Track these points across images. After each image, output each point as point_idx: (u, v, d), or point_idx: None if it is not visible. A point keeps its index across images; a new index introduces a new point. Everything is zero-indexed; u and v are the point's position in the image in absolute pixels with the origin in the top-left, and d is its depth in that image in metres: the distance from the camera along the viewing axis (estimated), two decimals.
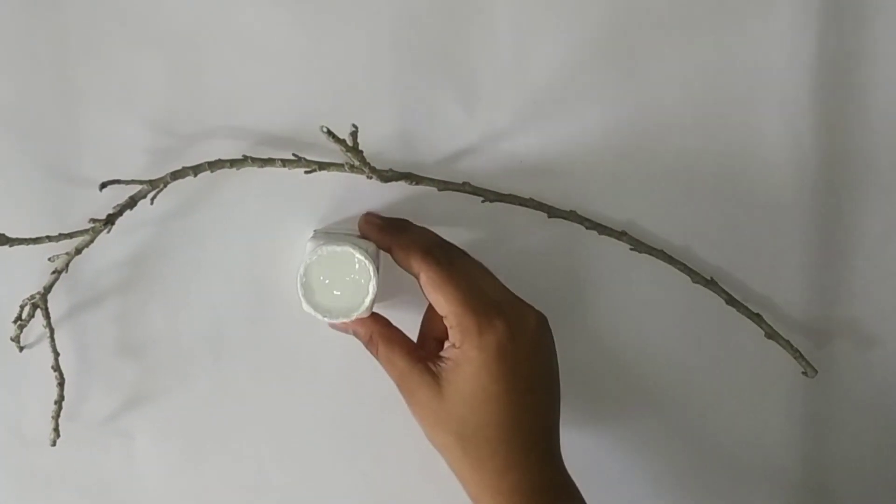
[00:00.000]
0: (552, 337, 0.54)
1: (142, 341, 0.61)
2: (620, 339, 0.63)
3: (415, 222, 0.60)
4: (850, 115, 0.61)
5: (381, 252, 0.59)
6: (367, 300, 0.53)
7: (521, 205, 0.60)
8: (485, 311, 0.51)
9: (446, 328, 0.52)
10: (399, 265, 0.54)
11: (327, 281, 0.53)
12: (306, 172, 0.57)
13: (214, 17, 0.59)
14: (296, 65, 0.59)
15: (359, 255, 0.53)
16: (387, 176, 0.57)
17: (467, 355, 0.50)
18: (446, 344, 0.53)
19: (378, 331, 0.55)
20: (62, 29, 0.58)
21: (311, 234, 0.58)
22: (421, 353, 0.54)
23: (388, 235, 0.55)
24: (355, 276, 0.54)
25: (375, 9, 0.59)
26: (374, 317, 0.55)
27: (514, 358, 0.51)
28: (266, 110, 0.59)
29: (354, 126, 0.51)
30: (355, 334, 0.56)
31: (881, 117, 0.61)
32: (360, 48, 0.59)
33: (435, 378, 0.52)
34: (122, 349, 0.61)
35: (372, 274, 0.53)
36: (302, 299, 0.53)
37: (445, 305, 0.51)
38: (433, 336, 0.56)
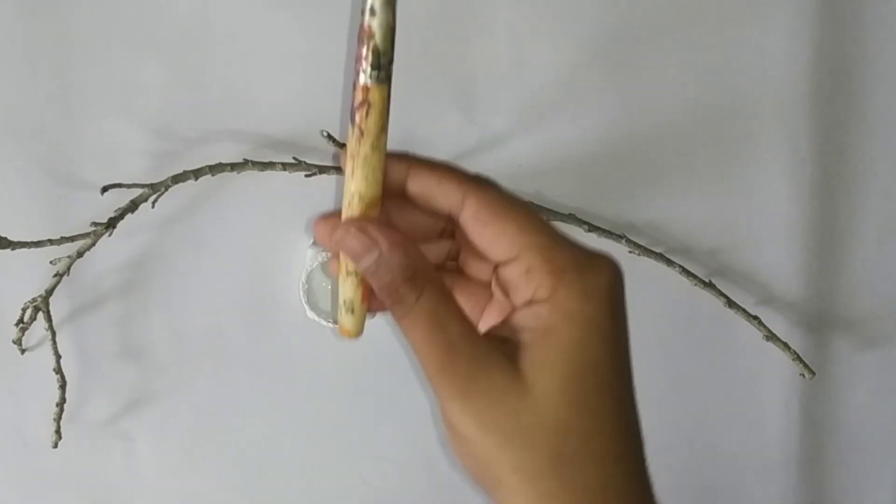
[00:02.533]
0: None
1: (143, 344, 0.61)
2: None
3: None
4: (848, 119, 0.62)
5: None
6: None
7: None
8: (577, 244, 0.32)
9: (504, 284, 0.33)
10: (420, 191, 0.35)
11: (329, 286, 0.54)
12: (307, 176, 0.58)
13: (215, 22, 0.59)
14: (296, 69, 0.59)
15: None
16: None
17: (565, 308, 0.30)
18: (518, 304, 0.32)
19: (403, 255, 0.32)
20: (63, 33, 0.58)
21: (311, 241, 0.59)
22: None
23: (403, 156, 0.36)
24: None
25: None
26: (391, 229, 0.33)
27: (624, 316, 0.32)
28: (266, 114, 0.59)
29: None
30: (359, 255, 0.33)
31: (878, 121, 0.62)
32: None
33: (510, 355, 0.31)
34: (123, 352, 0.61)
35: None
36: (305, 306, 0.53)
37: (519, 238, 0.32)
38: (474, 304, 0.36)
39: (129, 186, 0.56)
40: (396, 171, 0.35)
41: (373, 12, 0.35)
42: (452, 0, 0.59)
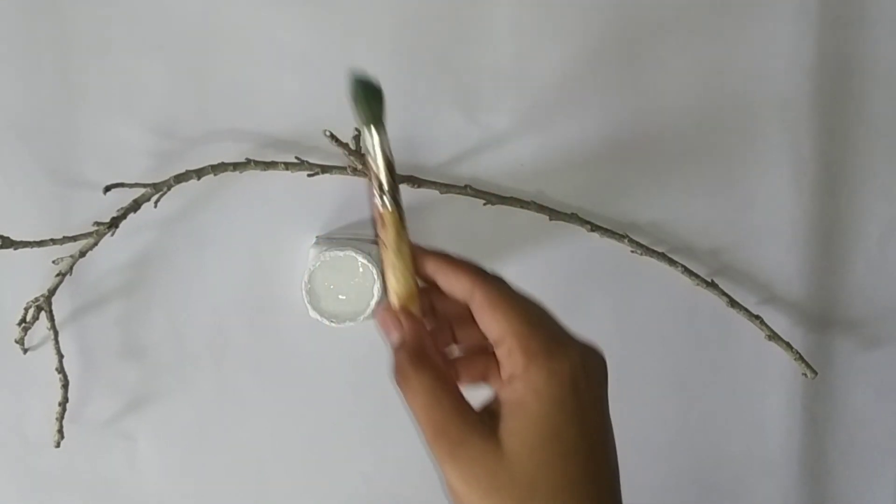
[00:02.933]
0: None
1: (145, 344, 0.61)
2: (622, 340, 0.63)
3: (417, 225, 0.60)
4: (850, 119, 0.62)
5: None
6: (372, 303, 0.54)
7: (522, 207, 0.60)
8: (553, 334, 0.39)
9: (489, 364, 0.41)
10: (443, 284, 0.42)
11: (332, 286, 0.54)
12: (309, 175, 0.58)
13: (217, 22, 0.59)
14: (298, 69, 0.59)
15: (362, 259, 0.53)
16: None
17: (534, 385, 0.37)
18: (504, 386, 0.39)
19: (414, 341, 0.41)
20: (66, 33, 0.58)
21: (314, 240, 0.59)
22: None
23: (431, 255, 0.43)
24: (359, 280, 0.54)
25: (378, 14, 0.59)
26: (411, 319, 0.41)
27: (589, 393, 0.38)
28: (269, 114, 0.59)
29: (357, 130, 0.51)
30: (386, 334, 0.42)
31: (880, 121, 0.62)
32: (362, 53, 0.59)
33: (491, 425, 0.38)
34: (125, 351, 0.61)
35: (376, 277, 0.53)
36: (308, 305, 0.53)
37: (506, 325, 0.39)
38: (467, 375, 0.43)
39: (131, 186, 0.56)
40: (425, 268, 0.42)
41: (371, 154, 0.41)
42: (455, 0, 0.59)
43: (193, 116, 0.59)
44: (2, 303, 0.59)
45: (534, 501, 0.36)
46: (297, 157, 0.58)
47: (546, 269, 0.62)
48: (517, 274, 0.61)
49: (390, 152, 0.42)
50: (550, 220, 0.60)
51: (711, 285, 0.61)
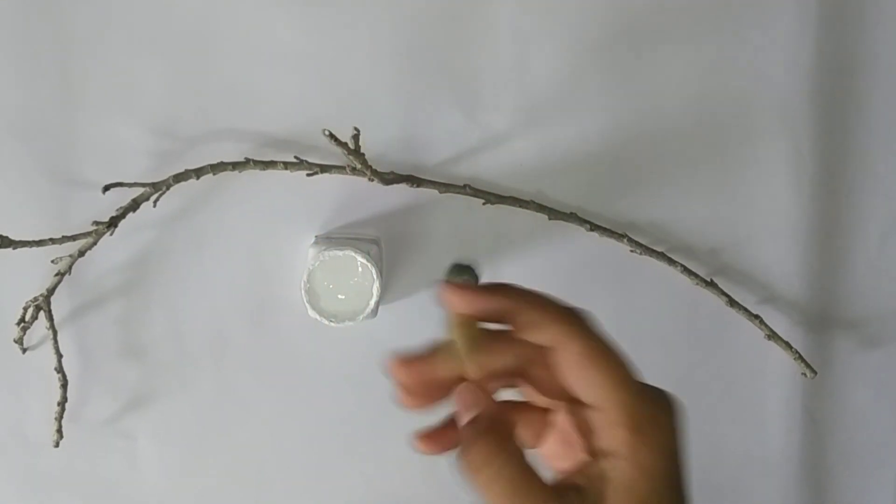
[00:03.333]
0: None
1: (144, 343, 0.61)
2: (621, 339, 0.63)
3: (417, 225, 0.60)
4: (849, 118, 0.62)
5: (384, 255, 0.59)
6: (372, 303, 0.54)
7: (521, 207, 0.60)
8: (653, 397, 0.36)
9: (582, 424, 0.36)
10: (521, 330, 0.37)
11: (331, 286, 0.54)
12: (308, 175, 0.58)
13: (216, 21, 0.59)
14: (298, 68, 0.59)
15: (361, 259, 0.53)
16: (388, 178, 0.58)
17: (643, 464, 0.34)
18: (593, 447, 0.36)
19: (488, 416, 0.36)
20: (65, 33, 0.58)
21: (313, 239, 0.59)
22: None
23: (500, 294, 0.37)
24: (358, 280, 0.54)
25: (377, 13, 0.59)
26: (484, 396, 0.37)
27: (681, 461, 0.36)
28: (268, 113, 0.59)
29: (356, 129, 0.51)
30: (461, 403, 0.38)
31: (879, 120, 0.62)
32: (362, 52, 0.59)
33: None
34: (124, 351, 0.61)
35: (375, 277, 0.53)
36: (307, 305, 0.53)
37: (610, 390, 0.35)
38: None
39: (130, 185, 0.56)
40: (494, 305, 0.37)
41: None
42: (455, 0, 0.59)
43: (192, 116, 0.59)
44: (1, 302, 0.59)
45: None
46: (296, 157, 0.58)
47: (545, 268, 0.62)
48: (516, 274, 0.61)
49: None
50: (550, 219, 0.60)
51: (711, 285, 0.61)
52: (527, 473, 0.34)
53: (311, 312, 0.54)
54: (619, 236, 0.60)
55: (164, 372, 0.62)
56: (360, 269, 0.54)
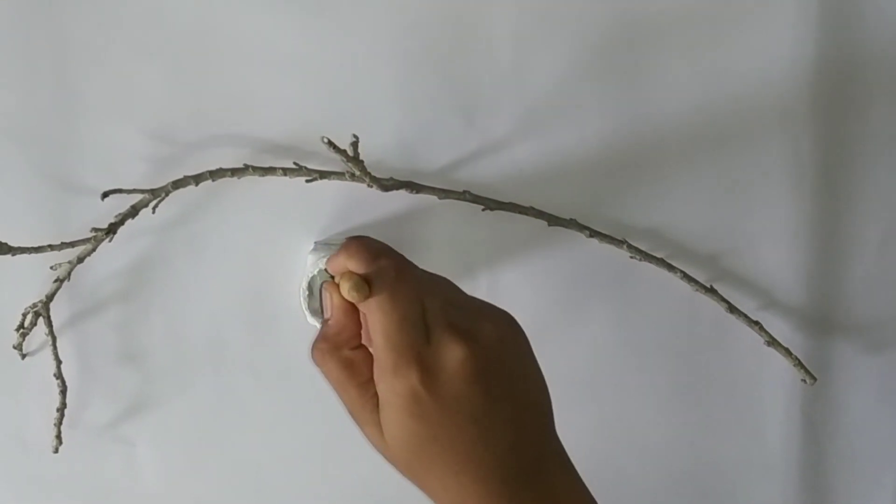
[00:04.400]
0: (520, 340, 0.48)
1: (143, 349, 0.61)
2: (620, 345, 0.63)
3: (416, 231, 0.60)
4: (849, 125, 0.61)
5: None
6: None
7: (521, 213, 0.60)
8: (407, 348, 0.44)
9: None
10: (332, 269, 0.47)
11: None
12: (307, 181, 0.58)
13: (215, 26, 0.59)
14: (297, 74, 0.59)
15: None
16: (387, 185, 0.58)
17: (385, 397, 0.44)
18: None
19: (334, 330, 0.46)
20: (63, 38, 0.58)
21: (312, 246, 0.59)
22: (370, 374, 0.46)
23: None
24: None
25: (376, 18, 0.59)
26: (341, 309, 0.46)
27: (437, 400, 0.44)
28: (267, 119, 0.59)
29: (355, 136, 0.51)
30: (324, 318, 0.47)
31: (880, 125, 0.62)
32: (361, 57, 0.59)
33: (375, 415, 0.46)
34: (123, 357, 0.61)
35: None
36: (306, 311, 0.53)
37: (371, 333, 0.45)
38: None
39: (129, 192, 0.56)
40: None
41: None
42: (454, 4, 0.59)
43: (191, 121, 0.59)
44: (2, 304, 0.59)
45: (417, 471, 0.45)
46: (295, 163, 0.58)
47: (544, 274, 0.62)
48: (515, 280, 0.61)
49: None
50: (549, 225, 0.60)
51: (710, 291, 0.61)
52: (349, 382, 0.46)
53: (311, 319, 0.54)
54: (619, 242, 0.60)
55: (163, 378, 0.62)
56: None
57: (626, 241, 0.60)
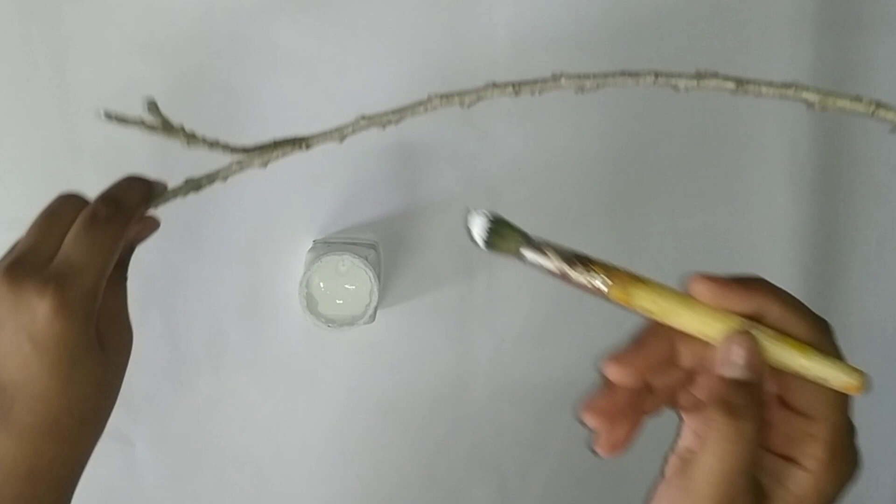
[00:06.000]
0: None
1: (141, 347, 0.61)
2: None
3: (417, 231, 0.60)
4: (846, 126, 0.62)
5: (382, 260, 0.59)
6: (370, 307, 0.54)
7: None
8: (854, 432, 0.38)
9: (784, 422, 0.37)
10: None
11: (329, 291, 0.54)
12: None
13: (214, 25, 0.59)
14: (295, 72, 0.59)
15: (359, 263, 0.53)
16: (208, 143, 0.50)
17: (823, 489, 0.36)
18: (785, 465, 0.36)
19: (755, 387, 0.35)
20: (61, 36, 0.58)
21: (311, 244, 0.59)
22: None
23: (755, 293, 0.37)
24: (357, 285, 0.54)
25: (374, 18, 0.59)
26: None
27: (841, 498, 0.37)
28: (265, 116, 0.59)
29: (151, 99, 0.48)
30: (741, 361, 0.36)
31: (876, 128, 0.62)
32: (360, 56, 0.59)
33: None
34: None
35: (373, 281, 0.53)
36: (305, 310, 0.53)
37: (831, 408, 0.36)
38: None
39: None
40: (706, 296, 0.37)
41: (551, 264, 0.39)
42: (452, 3, 0.59)
43: (190, 120, 0.59)
44: None
45: None
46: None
47: (543, 278, 0.62)
48: (515, 280, 0.61)
49: (555, 246, 0.39)
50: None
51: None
52: (756, 458, 0.35)
53: (309, 317, 0.54)
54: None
55: (161, 376, 0.62)
56: (358, 274, 0.54)
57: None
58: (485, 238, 0.39)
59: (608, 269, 0.37)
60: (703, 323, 0.36)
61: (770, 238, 0.62)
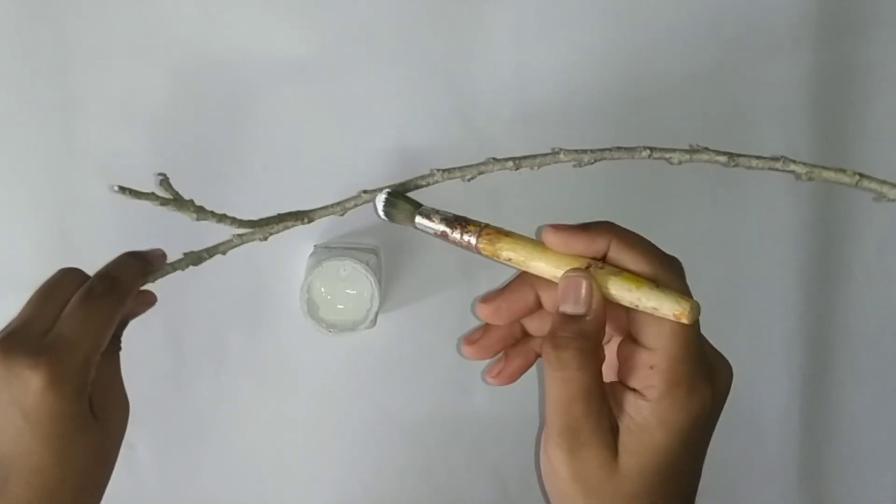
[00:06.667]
0: None
1: (142, 351, 0.61)
2: None
3: (415, 234, 0.60)
4: (846, 128, 0.62)
5: (383, 264, 0.59)
6: (371, 312, 0.54)
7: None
8: (698, 360, 0.38)
9: (627, 352, 0.39)
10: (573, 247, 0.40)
11: (330, 295, 0.54)
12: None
13: (214, 29, 0.59)
14: (296, 77, 0.59)
15: (360, 268, 0.53)
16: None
17: (663, 417, 0.37)
18: (630, 395, 0.38)
19: (596, 326, 0.38)
20: (63, 42, 0.58)
21: (312, 249, 0.59)
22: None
23: (599, 235, 0.40)
24: (357, 290, 0.54)
25: (375, 22, 0.59)
26: (606, 305, 0.39)
27: (710, 423, 0.39)
28: (267, 122, 0.59)
29: (162, 175, 0.49)
30: (570, 297, 0.38)
31: (876, 129, 0.62)
32: (361, 61, 0.59)
33: (613, 436, 0.38)
34: (123, 360, 0.61)
35: (374, 286, 0.54)
36: (306, 315, 0.53)
37: (669, 340, 0.37)
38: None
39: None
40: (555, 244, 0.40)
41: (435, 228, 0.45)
42: (454, 7, 0.59)
43: (192, 124, 0.59)
44: (3, 309, 0.59)
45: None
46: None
47: None
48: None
49: (441, 213, 0.44)
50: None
51: None
52: (597, 391, 0.37)
53: (310, 322, 0.54)
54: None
55: (163, 380, 0.62)
56: (359, 279, 0.54)
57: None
58: (384, 210, 0.46)
59: (481, 227, 0.42)
60: (555, 267, 0.39)
61: (770, 240, 0.62)
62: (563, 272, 0.39)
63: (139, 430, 0.62)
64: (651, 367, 0.37)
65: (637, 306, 0.37)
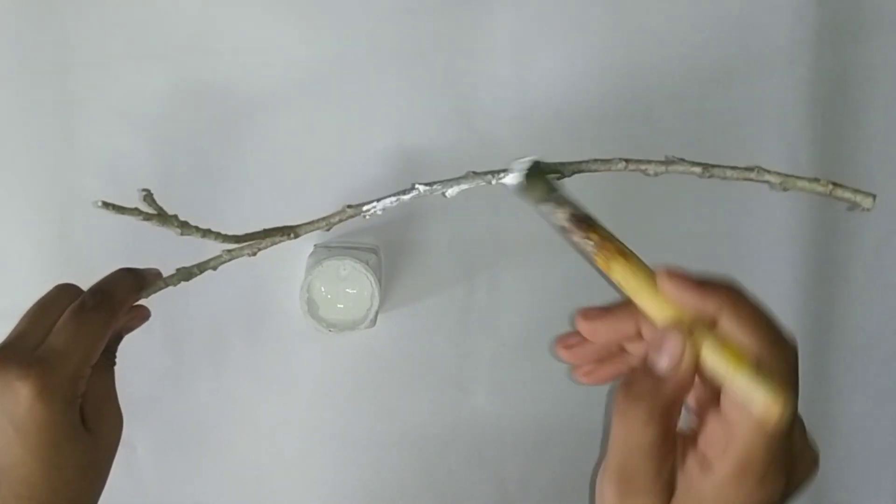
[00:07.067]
0: None
1: (143, 351, 0.61)
2: None
3: (415, 233, 0.60)
4: (845, 130, 0.62)
5: (383, 264, 0.60)
6: (371, 312, 0.54)
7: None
8: (785, 454, 0.36)
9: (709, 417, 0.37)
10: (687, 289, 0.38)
11: (329, 295, 0.54)
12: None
13: (215, 31, 0.59)
14: (297, 78, 0.59)
15: (360, 268, 0.53)
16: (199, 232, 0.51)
17: (724, 499, 0.35)
18: (697, 460, 0.36)
19: (682, 381, 0.36)
20: (64, 43, 0.58)
21: (312, 249, 0.59)
22: None
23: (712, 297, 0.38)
24: (357, 289, 0.54)
25: (375, 23, 0.59)
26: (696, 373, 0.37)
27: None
28: (267, 123, 0.59)
29: (146, 190, 0.48)
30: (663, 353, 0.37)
31: (875, 132, 0.62)
32: (362, 61, 0.59)
33: (667, 497, 0.36)
34: (122, 359, 0.61)
35: (374, 286, 0.54)
36: (306, 314, 0.53)
37: (747, 423, 0.35)
38: None
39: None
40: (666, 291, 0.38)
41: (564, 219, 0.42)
42: (454, 8, 0.59)
43: (191, 126, 0.59)
44: (3, 311, 0.59)
45: None
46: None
47: (545, 277, 0.62)
48: (515, 280, 0.61)
49: (572, 206, 0.42)
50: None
51: None
52: (666, 446, 0.36)
53: (311, 322, 0.54)
54: None
55: (163, 380, 0.62)
56: (359, 278, 0.54)
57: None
58: (519, 180, 0.44)
59: (603, 238, 0.40)
60: (658, 310, 0.37)
61: (770, 242, 0.62)
62: (663, 318, 0.37)
63: (139, 430, 0.62)
64: (726, 443, 0.35)
65: (729, 385, 0.35)
